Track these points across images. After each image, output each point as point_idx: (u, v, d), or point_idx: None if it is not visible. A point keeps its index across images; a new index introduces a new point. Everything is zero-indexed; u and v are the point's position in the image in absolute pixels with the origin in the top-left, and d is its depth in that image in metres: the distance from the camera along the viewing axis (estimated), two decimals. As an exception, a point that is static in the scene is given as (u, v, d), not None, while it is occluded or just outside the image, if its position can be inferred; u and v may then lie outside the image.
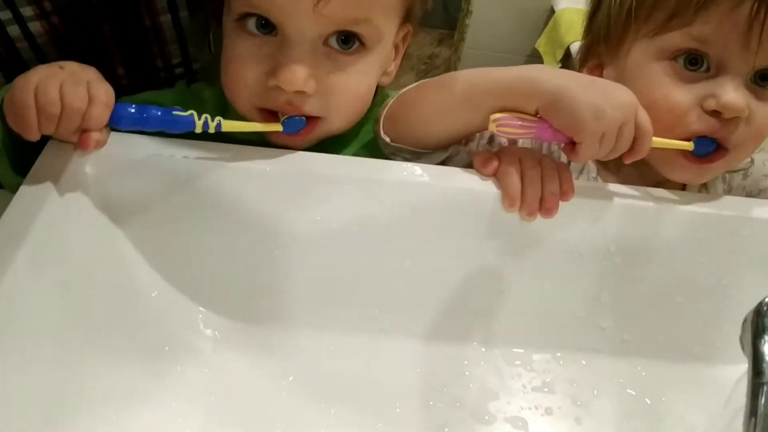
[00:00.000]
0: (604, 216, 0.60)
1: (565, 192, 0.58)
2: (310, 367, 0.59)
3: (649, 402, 0.61)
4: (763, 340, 0.37)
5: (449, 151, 0.63)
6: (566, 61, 1.68)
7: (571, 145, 0.55)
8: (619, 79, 0.63)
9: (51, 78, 0.49)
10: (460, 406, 0.59)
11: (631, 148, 0.56)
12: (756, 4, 0.55)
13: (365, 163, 0.59)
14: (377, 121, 0.63)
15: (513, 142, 0.65)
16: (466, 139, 0.63)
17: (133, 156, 0.55)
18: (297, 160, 0.57)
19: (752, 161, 0.71)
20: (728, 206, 0.61)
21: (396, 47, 0.66)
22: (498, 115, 0.55)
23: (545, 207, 0.57)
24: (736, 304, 0.55)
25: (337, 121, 0.61)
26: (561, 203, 0.58)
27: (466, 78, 0.59)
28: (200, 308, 0.59)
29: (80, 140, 0.50)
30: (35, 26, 0.63)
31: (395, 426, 0.57)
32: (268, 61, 0.57)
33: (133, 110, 0.51)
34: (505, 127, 0.55)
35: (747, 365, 0.39)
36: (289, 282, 0.60)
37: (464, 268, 0.61)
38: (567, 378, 0.62)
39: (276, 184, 0.57)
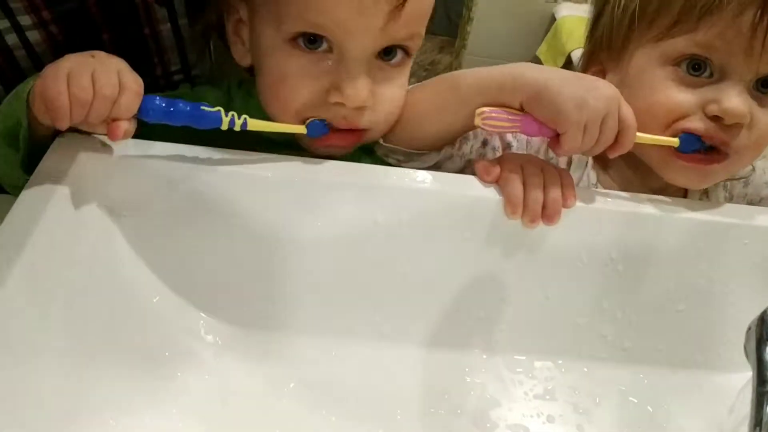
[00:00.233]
0: (606, 223, 0.60)
1: (567, 199, 0.58)
2: (311, 373, 0.59)
3: (650, 409, 0.61)
4: (767, 348, 0.37)
5: (441, 153, 0.63)
6: (567, 69, 1.68)
7: (556, 139, 0.56)
8: (622, 84, 0.63)
9: (83, 66, 0.49)
10: (462, 413, 0.58)
11: (615, 142, 0.56)
12: (760, 12, 0.55)
13: (367, 170, 0.59)
14: None
15: (502, 139, 0.65)
16: (459, 141, 0.64)
17: (136, 161, 0.55)
18: (299, 166, 0.57)
19: (753, 169, 0.71)
20: (730, 213, 0.61)
21: None
22: (483, 109, 0.55)
23: (547, 214, 0.57)
24: (738, 312, 0.55)
25: (379, 132, 0.62)
26: (563, 210, 0.58)
27: (454, 78, 0.61)
28: (201, 314, 0.59)
29: (110, 129, 0.50)
30: (33, 35, 0.63)
31: (396, 433, 0.56)
32: (326, 77, 0.56)
33: (161, 103, 0.52)
34: (491, 120, 0.56)
35: (749, 373, 0.39)
36: (291, 288, 0.60)
37: (466, 274, 0.61)
38: (569, 385, 0.62)
39: (278, 190, 0.57)
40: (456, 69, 2.04)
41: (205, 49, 0.74)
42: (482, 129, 0.57)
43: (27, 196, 0.50)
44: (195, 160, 0.56)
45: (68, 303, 0.51)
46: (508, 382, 0.61)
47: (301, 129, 0.58)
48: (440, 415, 0.58)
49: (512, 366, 0.63)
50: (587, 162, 0.68)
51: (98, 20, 0.65)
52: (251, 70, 0.62)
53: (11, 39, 0.63)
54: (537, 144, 0.67)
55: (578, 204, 0.58)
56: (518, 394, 0.61)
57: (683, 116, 0.59)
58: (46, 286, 0.49)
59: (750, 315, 0.42)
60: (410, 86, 0.63)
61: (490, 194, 0.58)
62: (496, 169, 0.58)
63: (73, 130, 0.53)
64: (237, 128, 0.54)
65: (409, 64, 0.61)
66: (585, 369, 0.63)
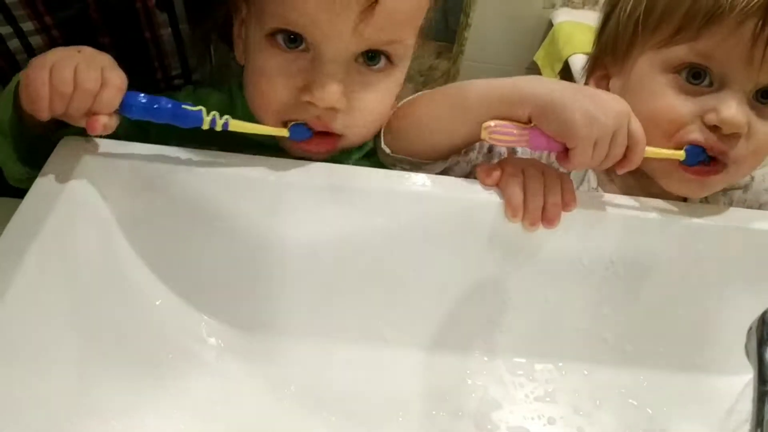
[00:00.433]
0: (606, 227, 0.60)
1: (567, 203, 0.58)
2: (313, 376, 0.59)
3: (650, 412, 0.61)
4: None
5: (449, 161, 0.63)
6: (565, 74, 1.69)
7: (564, 153, 0.56)
8: (624, 89, 0.63)
9: (67, 59, 0.50)
10: (463, 415, 0.59)
11: (624, 157, 0.56)
12: (761, 22, 0.55)
13: (368, 173, 0.59)
14: (377, 133, 0.63)
15: (510, 151, 0.66)
16: (465, 149, 0.64)
17: (139, 167, 0.55)
18: (300, 170, 0.58)
19: (752, 178, 0.71)
20: (729, 218, 0.61)
21: None
22: (490, 123, 0.55)
23: (547, 217, 0.58)
24: (738, 315, 0.55)
25: (357, 137, 0.61)
26: (563, 214, 0.58)
27: (461, 89, 0.60)
28: (204, 316, 0.59)
29: (88, 122, 0.51)
30: (35, 40, 0.63)
31: (398, 435, 0.57)
32: (301, 76, 0.57)
33: (143, 99, 0.52)
34: (498, 135, 0.55)
35: (749, 376, 0.40)
36: (292, 291, 0.60)
37: (466, 277, 0.61)
38: (569, 388, 0.62)
39: (279, 194, 0.57)
40: (454, 74, 2.05)
41: (205, 52, 0.75)
42: (489, 142, 0.57)
43: (31, 199, 0.51)
44: (196, 163, 0.56)
45: (71, 306, 0.51)
46: (509, 384, 0.62)
47: (283, 132, 0.58)
48: (441, 417, 0.58)
49: (513, 368, 0.63)
50: (588, 166, 0.68)
51: (99, 25, 0.65)
52: None
53: (13, 44, 0.63)
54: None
55: (578, 208, 0.58)
56: (519, 397, 0.61)
57: (683, 126, 0.59)
58: (49, 289, 0.49)
59: (749, 318, 0.42)
60: (412, 95, 0.63)
61: (491, 198, 0.58)
62: (497, 173, 0.59)
63: (60, 123, 0.53)
64: (218, 128, 0.54)
65: (396, 72, 0.60)
66: (585, 372, 0.63)
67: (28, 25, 0.62)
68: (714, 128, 0.59)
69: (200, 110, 0.54)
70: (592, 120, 0.53)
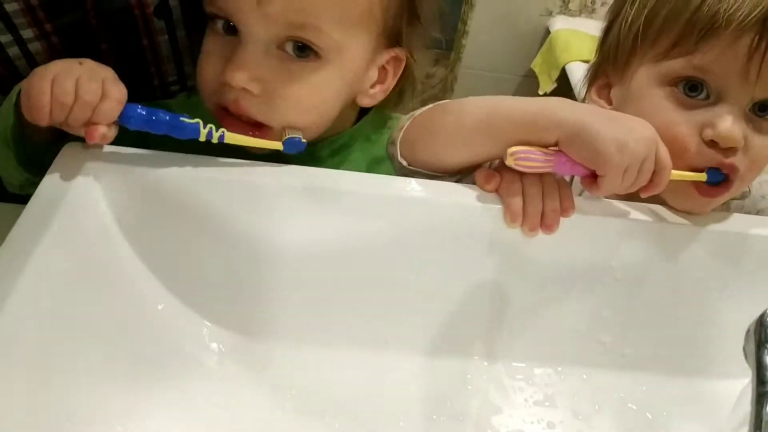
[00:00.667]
0: (605, 232, 0.60)
1: (566, 208, 0.58)
2: (314, 380, 0.59)
3: (650, 416, 0.62)
4: (766, 350, 0.38)
5: (461, 175, 0.63)
6: (562, 82, 1.70)
7: (592, 178, 0.56)
8: (625, 100, 0.64)
9: (69, 71, 0.52)
10: (463, 419, 0.59)
11: (650, 182, 0.56)
12: (757, 37, 0.56)
13: (368, 179, 0.60)
14: (393, 144, 0.63)
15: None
16: None
17: (141, 173, 0.55)
18: (301, 175, 0.58)
19: (749, 189, 0.71)
20: (727, 223, 0.62)
21: (382, 70, 0.65)
22: (516, 149, 0.55)
23: (546, 223, 0.58)
24: (737, 319, 0.56)
25: (282, 125, 0.60)
26: (562, 219, 0.58)
27: (485, 106, 0.59)
28: (206, 322, 0.59)
29: (87, 132, 0.52)
30: (35, 46, 0.64)
31: (399, 439, 0.57)
32: (225, 60, 0.58)
33: (142, 111, 0.53)
34: (524, 161, 0.55)
35: (747, 379, 0.40)
36: (293, 297, 0.60)
37: (466, 282, 0.61)
38: (568, 392, 0.62)
39: (280, 199, 0.57)
40: (451, 81, 2.06)
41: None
42: (514, 168, 0.56)
43: (34, 204, 0.51)
44: (199, 169, 0.56)
45: (74, 311, 0.51)
46: (509, 388, 0.62)
47: (277, 145, 0.59)
48: (442, 421, 0.59)
49: (512, 373, 0.63)
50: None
51: (97, 31, 0.65)
52: None
53: (13, 51, 0.63)
54: None
55: (577, 213, 0.59)
56: (519, 401, 0.61)
57: (686, 144, 0.59)
58: (52, 293, 0.49)
59: (746, 322, 0.42)
60: (429, 106, 0.63)
61: (490, 203, 0.59)
62: (496, 179, 0.59)
63: (61, 133, 0.54)
64: (215, 140, 0.56)
65: (327, 67, 0.59)
66: (584, 376, 0.64)
67: (27, 33, 0.62)
68: (712, 143, 0.59)
69: (197, 122, 0.55)
70: (623, 148, 0.53)
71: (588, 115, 0.55)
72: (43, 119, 0.51)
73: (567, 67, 1.65)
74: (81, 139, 0.54)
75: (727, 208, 0.71)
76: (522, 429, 0.59)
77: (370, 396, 0.59)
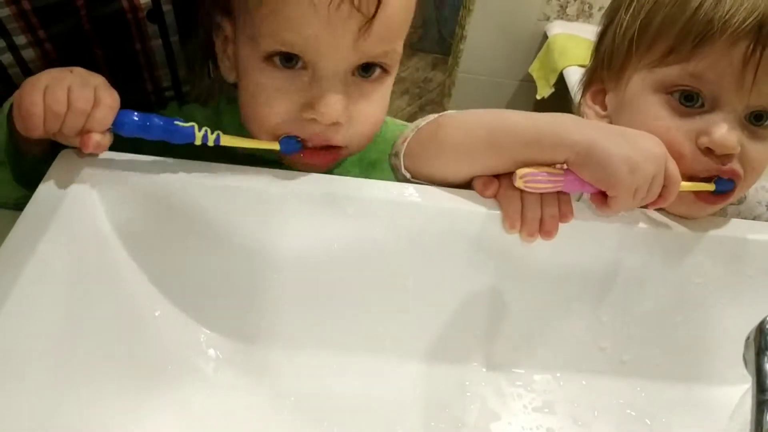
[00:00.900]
0: (604, 238, 0.60)
1: (565, 214, 0.58)
2: (312, 387, 0.59)
3: (649, 422, 0.62)
4: (766, 357, 0.38)
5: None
6: (559, 86, 1.70)
7: (601, 197, 0.56)
8: (619, 106, 0.64)
9: (60, 80, 0.51)
10: (462, 426, 0.59)
11: (659, 196, 0.56)
12: (752, 45, 0.56)
13: (366, 185, 0.59)
14: (396, 155, 0.63)
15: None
16: None
17: (138, 180, 0.55)
18: (298, 181, 0.58)
19: (745, 196, 0.71)
20: (725, 228, 0.62)
21: None
22: (524, 171, 0.55)
23: (545, 229, 0.58)
24: (735, 325, 0.56)
25: (356, 147, 0.61)
26: (561, 225, 0.58)
27: (491, 121, 0.59)
28: (203, 328, 0.59)
29: (81, 140, 0.52)
30: (28, 53, 0.64)
31: (397, 446, 0.57)
32: (302, 94, 0.57)
33: (136, 117, 0.53)
34: (533, 183, 0.55)
35: (747, 386, 0.40)
36: (291, 303, 0.60)
37: (465, 288, 0.61)
38: (567, 398, 0.62)
39: (277, 206, 0.57)
40: (449, 86, 2.06)
41: (203, 66, 0.75)
42: (524, 190, 0.56)
43: (30, 211, 0.51)
44: (196, 175, 0.56)
45: (70, 317, 0.51)
46: (508, 395, 0.62)
47: (274, 145, 0.58)
48: (441, 428, 0.58)
49: (512, 379, 0.63)
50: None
51: (91, 37, 0.65)
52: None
53: (6, 58, 0.63)
54: None
55: (576, 219, 0.58)
56: (518, 407, 0.61)
57: (683, 153, 0.59)
58: (48, 300, 0.49)
59: (746, 328, 0.42)
60: (432, 116, 0.63)
61: (489, 209, 0.59)
62: (495, 185, 0.59)
63: (56, 146, 0.54)
64: (210, 143, 0.55)
65: (389, 80, 0.61)
66: (584, 382, 0.64)
67: (20, 39, 0.62)
68: (707, 150, 0.59)
69: (192, 126, 0.54)
70: (635, 167, 0.53)
71: (596, 134, 0.55)
72: (36, 130, 0.50)
73: (565, 72, 1.65)
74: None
75: (723, 214, 0.71)
76: (521, 436, 0.59)
77: (368, 402, 0.59)
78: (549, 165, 0.56)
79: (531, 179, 0.55)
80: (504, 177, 0.59)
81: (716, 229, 0.62)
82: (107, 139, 0.53)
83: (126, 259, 0.56)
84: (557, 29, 1.81)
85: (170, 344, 0.58)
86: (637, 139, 0.55)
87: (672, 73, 0.59)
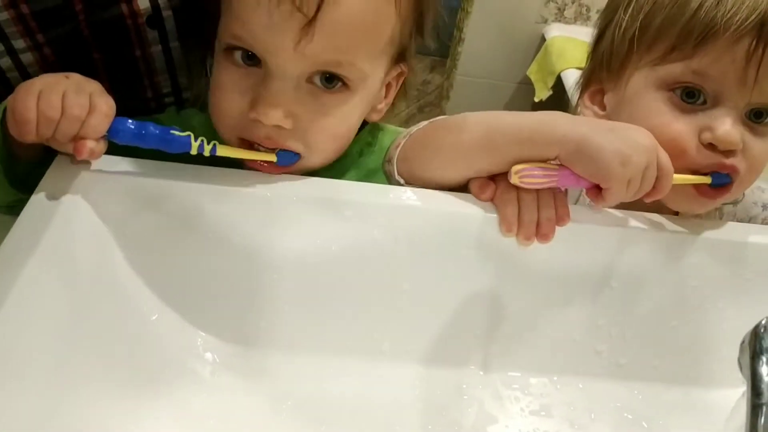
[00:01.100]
0: (600, 241, 0.60)
1: (561, 217, 0.58)
2: (309, 390, 0.59)
3: (646, 426, 0.62)
4: (761, 361, 0.38)
5: None
6: (557, 88, 1.70)
7: (596, 190, 0.56)
8: (619, 105, 0.64)
9: (54, 85, 0.51)
10: (459, 429, 0.59)
11: (653, 188, 0.56)
12: (755, 41, 0.56)
13: (363, 188, 0.60)
14: (390, 161, 0.63)
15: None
16: None
17: (136, 183, 0.55)
18: (297, 184, 0.58)
19: (743, 194, 0.72)
20: (721, 231, 0.62)
21: (388, 86, 0.66)
22: (519, 168, 0.55)
23: (542, 232, 0.58)
24: (731, 328, 0.56)
25: (314, 158, 0.61)
26: (557, 228, 0.58)
27: (483, 122, 0.59)
28: (200, 332, 0.59)
29: (75, 147, 0.51)
30: (27, 57, 0.63)
31: (394, 450, 0.57)
32: (250, 93, 0.57)
33: (131, 125, 0.53)
34: (528, 178, 0.56)
35: (743, 389, 0.40)
36: (288, 306, 0.60)
37: (462, 292, 0.61)
38: (564, 402, 0.62)
39: (275, 209, 0.57)
40: (447, 89, 2.06)
41: (201, 69, 0.75)
42: (519, 186, 0.57)
43: (27, 215, 0.51)
44: (192, 178, 0.56)
45: (67, 321, 0.51)
46: (505, 398, 0.62)
47: (271, 157, 0.58)
48: (438, 431, 0.58)
49: (508, 382, 0.63)
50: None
51: (90, 41, 0.65)
52: None
53: (5, 62, 0.63)
54: None
55: (572, 222, 0.58)
56: (515, 411, 0.61)
57: (685, 146, 0.59)
58: (45, 304, 0.49)
59: (742, 331, 0.42)
60: (425, 122, 0.63)
61: (486, 212, 0.59)
62: (491, 188, 0.59)
63: (49, 150, 0.54)
64: (206, 153, 0.55)
65: (353, 98, 0.59)
66: (580, 385, 0.64)
67: (19, 43, 0.62)
68: (710, 146, 0.59)
69: (188, 135, 0.54)
70: (626, 160, 0.53)
71: (587, 129, 0.55)
72: (29, 135, 0.50)
73: (562, 74, 1.65)
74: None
75: (720, 215, 0.71)
76: (518, 439, 0.59)
77: (365, 406, 0.59)
78: (543, 161, 0.56)
79: (526, 174, 0.55)
80: (500, 180, 0.59)
81: (714, 231, 0.62)
82: (101, 147, 0.52)
83: (123, 263, 0.56)
84: (555, 32, 1.81)
85: (167, 348, 0.57)
86: (628, 132, 0.56)
87: (674, 70, 0.60)
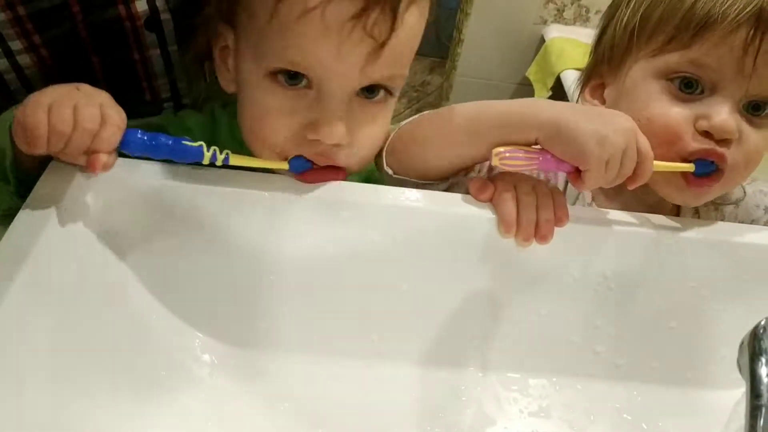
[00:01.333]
0: (599, 242, 0.60)
1: (560, 218, 0.58)
2: (307, 392, 0.59)
3: (645, 427, 0.62)
4: (760, 363, 0.38)
5: (450, 180, 0.64)
6: (557, 89, 1.70)
7: (577, 173, 0.56)
8: (619, 96, 0.64)
9: (65, 98, 0.50)
10: (457, 431, 0.59)
11: (634, 173, 0.56)
12: (752, 31, 0.56)
13: (362, 189, 0.59)
14: (379, 155, 0.64)
15: None
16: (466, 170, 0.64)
17: (132, 184, 0.55)
18: (294, 185, 0.58)
19: (744, 192, 0.72)
20: (720, 232, 0.62)
21: None
22: (500, 149, 0.56)
23: (540, 233, 0.58)
24: (730, 329, 0.56)
25: (358, 166, 0.61)
26: (556, 229, 0.58)
27: (465, 111, 0.60)
28: (197, 333, 0.59)
29: (89, 161, 0.50)
30: (24, 59, 0.63)
31: (392, 451, 0.57)
32: (304, 114, 0.56)
33: (143, 136, 0.52)
34: (509, 160, 0.56)
35: (742, 390, 0.40)
36: (286, 307, 0.60)
37: (460, 293, 0.61)
38: (563, 403, 0.62)
39: (273, 210, 0.57)
40: (447, 90, 2.06)
41: (199, 72, 0.75)
42: (500, 168, 0.57)
43: (23, 218, 0.50)
44: (191, 180, 0.56)
45: (66, 322, 0.51)
46: (503, 399, 0.62)
47: (283, 165, 0.58)
48: (436, 433, 0.58)
49: (507, 384, 0.63)
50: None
51: (87, 44, 0.65)
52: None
53: (2, 64, 0.63)
54: None
55: (571, 223, 0.58)
56: (513, 412, 0.61)
57: (679, 133, 0.60)
58: (42, 307, 0.49)
59: (741, 332, 0.42)
60: (414, 117, 0.63)
61: (484, 213, 0.59)
62: (490, 189, 0.59)
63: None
64: (219, 163, 0.55)
65: (392, 102, 0.60)
66: (579, 386, 0.64)
67: (16, 44, 0.62)
68: (705, 134, 0.59)
69: (201, 145, 0.54)
70: (603, 140, 0.54)
71: (565, 112, 0.56)
72: (40, 149, 0.49)
73: (562, 75, 1.65)
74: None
75: (721, 216, 0.71)
76: (516, 440, 0.59)
77: (363, 407, 0.59)
78: (526, 146, 0.56)
79: (506, 157, 0.56)
80: (499, 181, 0.59)
81: (713, 232, 0.62)
82: (113, 159, 0.52)
83: (120, 264, 0.56)
84: (554, 33, 1.81)
85: (165, 349, 0.57)
86: (606, 115, 0.57)
87: (672, 60, 0.60)
